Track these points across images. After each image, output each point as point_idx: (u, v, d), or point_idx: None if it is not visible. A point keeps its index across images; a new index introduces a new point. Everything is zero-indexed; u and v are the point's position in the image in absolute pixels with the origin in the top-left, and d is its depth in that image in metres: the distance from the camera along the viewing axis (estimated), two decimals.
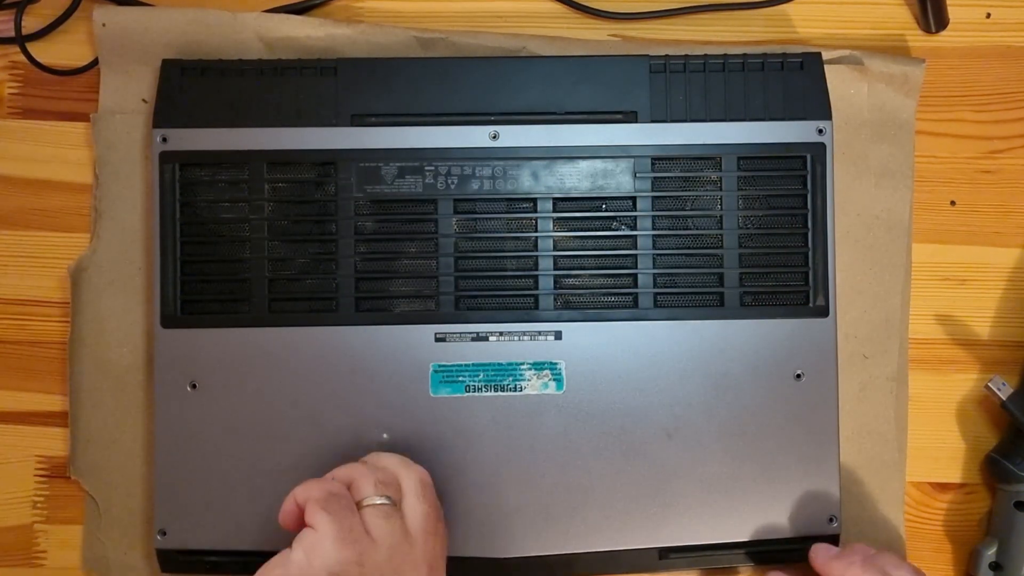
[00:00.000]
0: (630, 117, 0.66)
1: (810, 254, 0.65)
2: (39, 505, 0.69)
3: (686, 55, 0.67)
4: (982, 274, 0.71)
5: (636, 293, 0.65)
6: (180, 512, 0.64)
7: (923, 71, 0.69)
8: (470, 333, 0.65)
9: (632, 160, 0.65)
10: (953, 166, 0.71)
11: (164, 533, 0.64)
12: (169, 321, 0.65)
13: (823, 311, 0.65)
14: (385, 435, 0.64)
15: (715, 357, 0.65)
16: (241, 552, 0.64)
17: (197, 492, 0.64)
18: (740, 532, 0.65)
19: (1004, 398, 0.66)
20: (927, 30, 0.72)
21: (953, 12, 0.71)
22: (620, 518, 0.65)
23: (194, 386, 0.65)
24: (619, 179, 0.65)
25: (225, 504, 0.64)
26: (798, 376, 0.65)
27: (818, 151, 0.65)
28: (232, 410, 0.64)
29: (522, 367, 0.65)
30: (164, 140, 0.65)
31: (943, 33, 0.72)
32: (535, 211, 0.65)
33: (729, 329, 0.65)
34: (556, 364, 0.65)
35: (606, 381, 0.65)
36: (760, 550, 0.66)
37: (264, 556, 0.64)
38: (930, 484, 0.70)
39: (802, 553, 0.65)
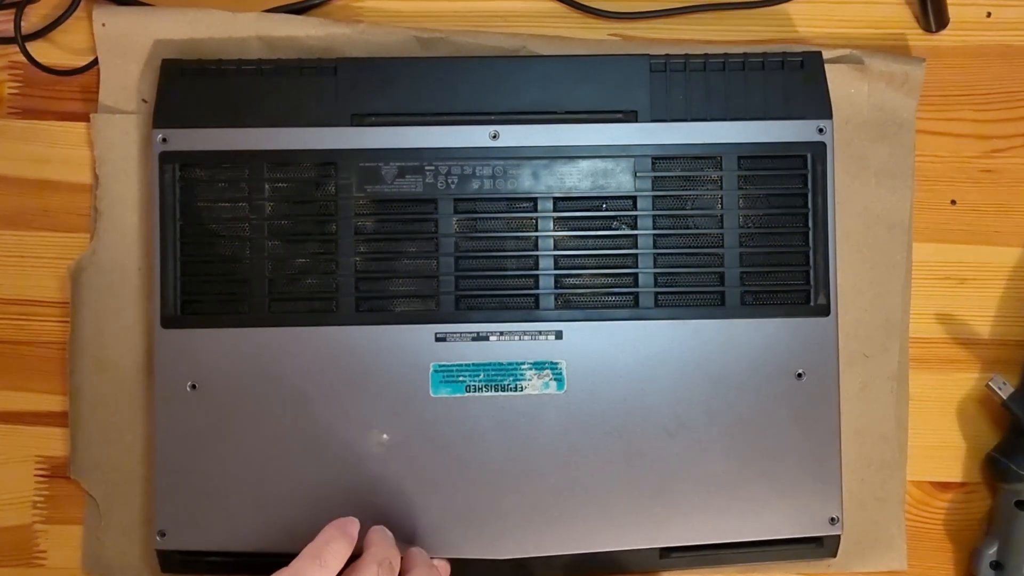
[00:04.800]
0: (630, 116, 0.66)
1: (811, 253, 0.65)
2: (39, 505, 0.69)
3: (686, 54, 0.67)
4: (982, 273, 0.71)
5: (637, 292, 0.65)
6: (180, 513, 0.64)
7: (923, 70, 0.69)
8: (470, 333, 0.64)
9: (632, 159, 0.65)
10: (953, 165, 0.71)
11: (163, 534, 0.64)
12: (169, 321, 0.65)
13: (824, 310, 0.65)
14: (385, 436, 0.64)
15: (716, 356, 0.65)
16: (240, 553, 0.64)
17: (197, 493, 0.64)
18: (741, 532, 0.65)
19: (1005, 397, 0.66)
20: (927, 29, 0.72)
21: (953, 11, 0.71)
22: (621, 518, 0.64)
23: (194, 387, 0.64)
24: (619, 179, 0.65)
25: (225, 505, 0.64)
26: (799, 375, 0.65)
27: (818, 150, 0.65)
28: (232, 411, 0.64)
29: (523, 367, 0.64)
30: (164, 140, 0.65)
31: (943, 32, 0.72)
32: (535, 211, 0.65)
33: (730, 328, 0.65)
34: (557, 364, 0.65)
35: (607, 381, 0.65)
36: (761, 550, 0.66)
37: (263, 557, 0.64)
38: (931, 483, 0.70)
39: (802, 553, 0.65)
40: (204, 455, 0.64)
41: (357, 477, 0.64)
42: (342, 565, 0.56)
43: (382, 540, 0.59)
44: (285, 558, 0.63)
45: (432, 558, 0.62)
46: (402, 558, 0.60)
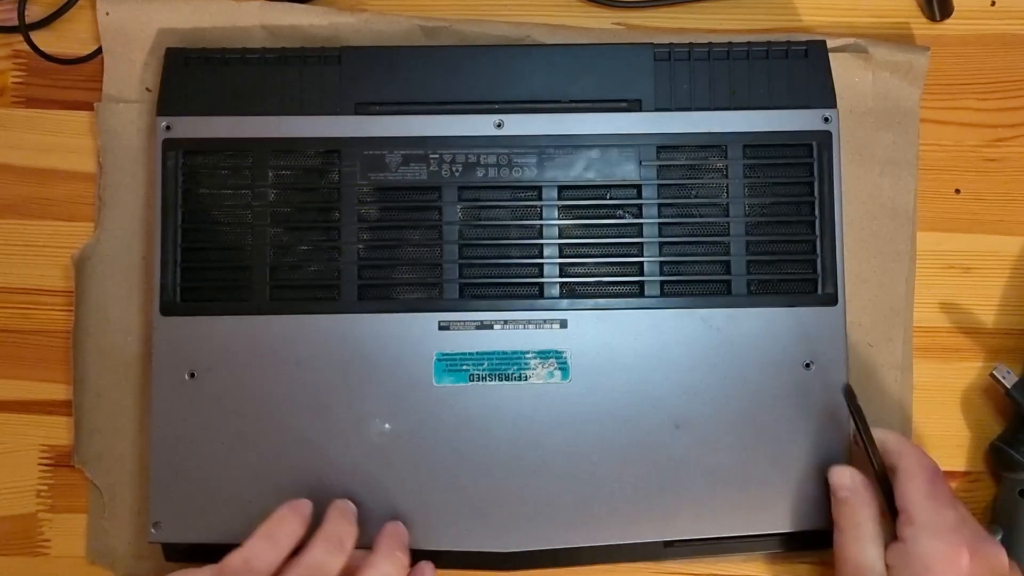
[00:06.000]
0: (634, 105, 0.66)
1: (818, 242, 0.65)
2: (43, 494, 0.69)
3: (690, 43, 0.67)
4: (987, 262, 0.70)
5: (642, 281, 0.64)
6: (176, 504, 0.63)
7: (927, 59, 0.69)
8: (474, 321, 0.64)
9: (637, 148, 0.65)
10: (957, 154, 0.71)
11: (158, 525, 0.63)
12: (168, 308, 0.64)
13: (832, 299, 0.64)
14: (387, 426, 0.63)
15: (723, 346, 0.64)
16: (239, 546, 0.62)
17: (194, 484, 0.63)
18: (750, 525, 0.64)
19: (1009, 386, 0.66)
20: (931, 18, 0.72)
21: (957, 0, 0.71)
22: (627, 511, 0.63)
23: (192, 375, 0.64)
24: (624, 167, 0.65)
25: (222, 496, 0.63)
26: (807, 365, 0.64)
27: (824, 139, 0.65)
28: (231, 399, 0.64)
29: (527, 356, 0.64)
30: (168, 128, 0.65)
31: (947, 21, 0.72)
32: (540, 199, 0.65)
33: (737, 317, 0.64)
34: (561, 353, 0.64)
35: (612, 370, 0.64)
36: (767, 541, 0.65)
37: None
38: None
39: (808, 544, 0.64)
40: (202, 445, 0.63)
41: (358, 467, 0.63)
42: (294, 544, 0.57)
43: (338, 516, 0.59)
44: None
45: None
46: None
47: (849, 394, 0.62)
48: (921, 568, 0.57)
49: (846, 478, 0.61)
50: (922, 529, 0.58)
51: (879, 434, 0.61)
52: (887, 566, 0.59)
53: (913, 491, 0.59)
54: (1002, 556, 0.58)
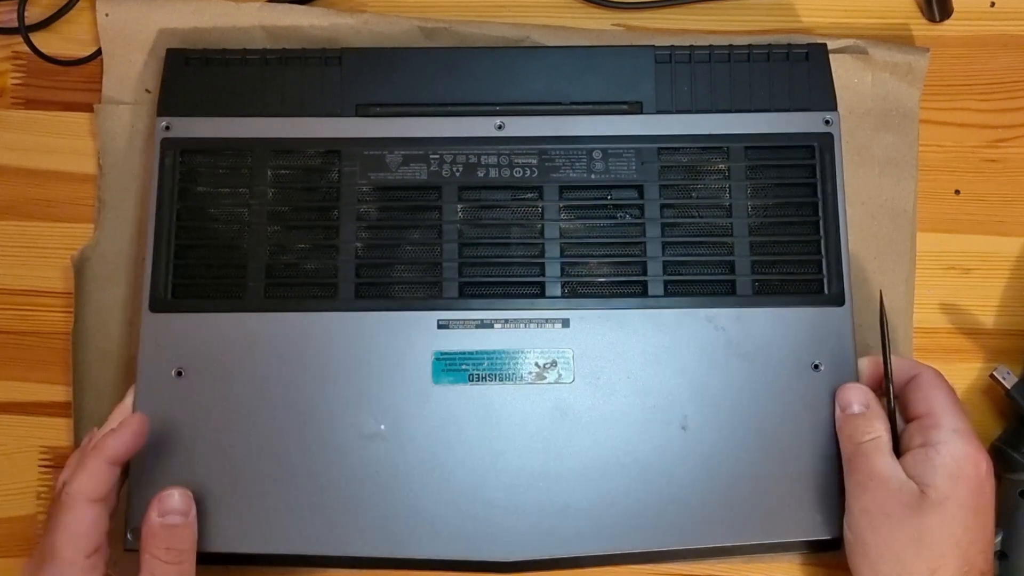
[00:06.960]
0: (635, 108, 0.66)
1: (823, 242, 0.64)
2: (43, 496, 0.69)
3: (691, 46, 0.67)
4: (986, 263, 0.70)
5: (645, 281, 0.64)
6: None
7: (927, 60, 0.69)
8: (474, 320, 0.63)
9: (638, 150, 0.65)
10: (957, 155, 0.71)
11: (137, 532, 0.59)
12: (158, 305, 0.63)
13: (839, 299, 0.63)
14: (383, 426, 0.62)
15: (729, 346, 0.63)
16: (223, 555, 0.61)
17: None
18: (759, 533, 0.62)
19: (1009, 387, 0.66)
20: (931, 19, 0.72)
21: (957, 1, 0.71)
22: (631, 515, 0.61)
23: (180, 373, 0.62)
24: (625, 169, 0.65)
25: (207, 502, 0.60)
26: (816, 367, 0.63)
27: (826, 141, 0.65)
28: (220, 399, 0.62)
29: (528, 356, 0.63)
30: (167, 128, 0.65)
31: (947, 22, 0.72)
32: (541, 198, 0.65)
33: (743, 318, 0.63)
34: (564, 353, 0.63)
35: (616, 371, 0.62)
36: (774, 549, 0.64)
37: (253, 559, 0.62)
38: None
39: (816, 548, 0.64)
40: (187, 446, 0.61)
41: (352, 470, 0.61)
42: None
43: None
44: (274, 559, 0.62)
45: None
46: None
47: (880, 303, 0.62)
48: (955, 469, 0.57)
49: (859, 394, 0.61)
50: (953, 432, 0.57)
51: (893, 361, 0.61)
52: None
53: (940, 396, 0.59)
54: (990, 464, 0.59)
